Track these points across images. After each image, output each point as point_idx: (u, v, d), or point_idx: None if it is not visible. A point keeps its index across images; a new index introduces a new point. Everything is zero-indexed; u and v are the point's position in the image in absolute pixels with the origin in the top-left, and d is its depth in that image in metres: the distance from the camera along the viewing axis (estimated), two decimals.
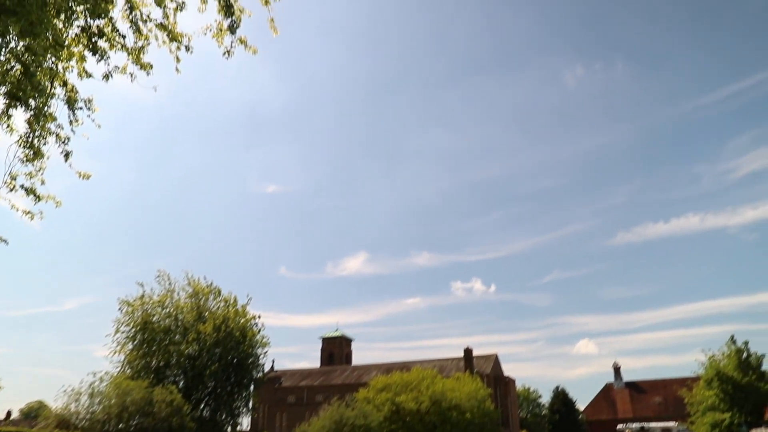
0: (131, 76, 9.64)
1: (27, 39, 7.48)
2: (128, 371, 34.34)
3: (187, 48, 9.88)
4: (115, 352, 35.37)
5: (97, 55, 9.30)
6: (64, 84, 9.96)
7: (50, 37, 7.89)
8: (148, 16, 10.02)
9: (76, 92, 10.16)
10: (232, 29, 10.10)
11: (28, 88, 8.30)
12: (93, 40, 9.18)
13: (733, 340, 44.95)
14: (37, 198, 9.74)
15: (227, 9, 10.10)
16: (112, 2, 8.82)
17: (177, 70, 10.69)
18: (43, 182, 9.83)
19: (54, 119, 9.34)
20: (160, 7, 10.03)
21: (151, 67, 10.26)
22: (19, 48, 8.60)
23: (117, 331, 35.83)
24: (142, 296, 36.89)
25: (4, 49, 8.41)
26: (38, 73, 8.44)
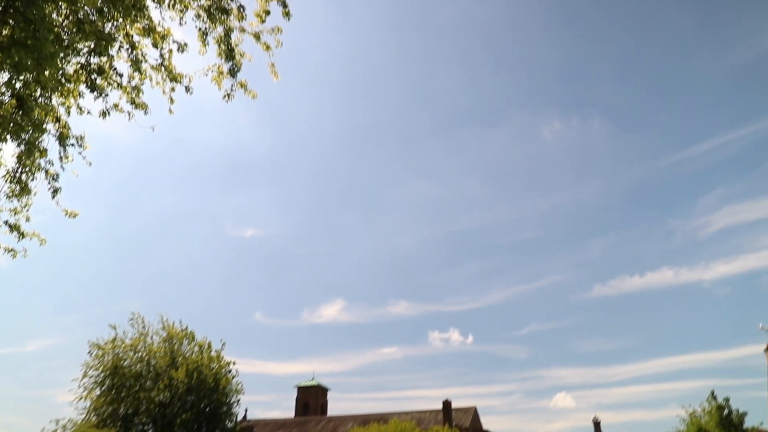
0: (129, 115, 9.51)
1: (31, 73, 7.32)
2: (94, 419, 32.66)
3: (187, 89, 9.82)
4: (80, 398, 33.75)
5: (95, 93, 9.17)
6: (57, 120, 9.77)
7: (55, 73, 7.75)
8: (144, 56, 9.99)
9: (69, 128, 9.97)
10: (233, 73, 10.09)
11: (25, 122, 8.08)
12: (92, 77, 9.08)
13: (713, 395, 44.70)
14: (21, 235, 9.39)
15: (228, 53, 10.13)
16: (114, 40, 8.76)
17: (170, 111, 10.61)
18: (28, 219, 9.50)
19: (45, 154, 9.11)
20: (157, 48, 10.02)
21: (147, 107, 10.15)
22: (15, 81, 8.43)
23: (84, 375, 34.31)
24: (114, 339, 35.57)
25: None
26: (35, 107, 8.26)
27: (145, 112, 9.61)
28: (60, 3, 7.14)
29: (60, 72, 8.53)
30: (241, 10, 9.77)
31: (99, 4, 7.56)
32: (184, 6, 11.06)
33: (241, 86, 10.11)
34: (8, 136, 8.81)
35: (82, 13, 7.54)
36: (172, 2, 10.66)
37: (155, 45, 9.91)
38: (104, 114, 9.19)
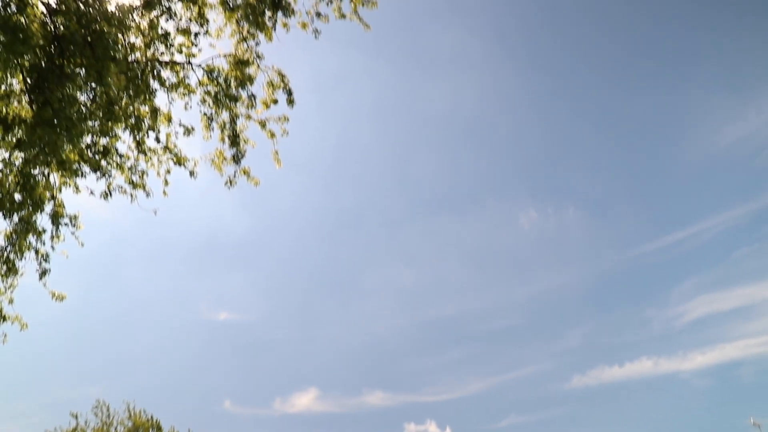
0: (131, 197, 9.33)
1: (53, 153, 7.19)
2: None
3: (192, 173, 9.73)
4: None
5: (97, 173, 9.03)
6: (52, 198, 9.54)
7: (66, 151, 7.64)
8: (157, 138, 9.97)
9: (63, 207, 9.72)
10: (237, 159, 10.06)
11: (26, 200, 7.84)
12: (96, 157, 8.97)
13: None
14: (3, 318, 8.83)
15: (233, 139, 10.15)
16: (122, 121, 8.75)
17: (164, 193, 10.46)
18: (11, 301, 8.98)
19: (40, 233, 8.79)
20: (154, 131, 9.99)
21: (145, 187, 10.01)
22: (19, 159, 8.29)
23: None
24: (75, 429, 33.14)
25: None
26: (38, 186, 8.06)
27: (147, 195, 9.46)
28: (89, 84, 7.16)
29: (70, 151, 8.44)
30: (252, 99, 9.92)
31: (124, 86, 7.61)
32: (189, 91, 11.25)
33: (245, 173, 10.08)
34: (0, 214, 8.52)
35: (102, 95, 7.55)
36: (176, 85, 10.84)
37: (152, 128, 9.89)
38: (106, 195, 9.01)
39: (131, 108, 8.75)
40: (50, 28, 6.61)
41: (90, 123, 8.22)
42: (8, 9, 5.94)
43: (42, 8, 6.59)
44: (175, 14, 10.27)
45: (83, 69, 6.68)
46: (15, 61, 6.01)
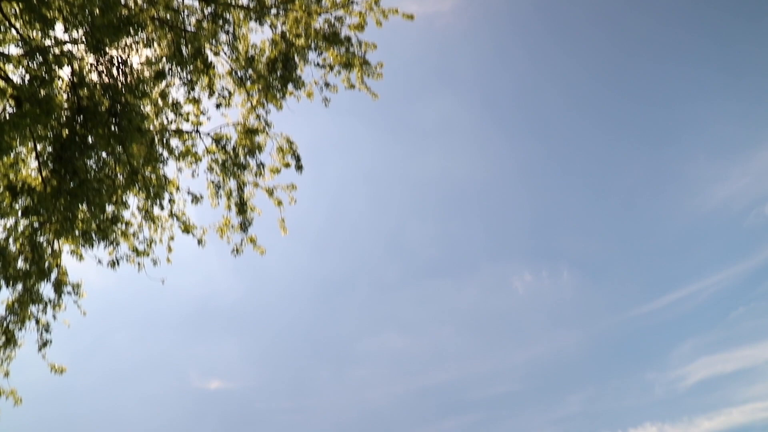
0: (139, 266, 9.21)
1: (57, 220, 7.13)
2: None
3: (200, 242, 9.66)
4: None
5: (105, 242, 8.94)
6: (56, 266, 9.40)
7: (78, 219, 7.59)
8: (149, 206, 9.95)
9: (67, 275, 9.56)
10: (244, 227, 10.02)
11: (34, 270, 7.71)
12: (105, 226, 8.91)
13: None
14: None
15: (241, 207, 10.14)
16: (142, 190, 8.76)
17: (168, 260, 10.33)
18: (7, 374, 8.64)
19: (43, 303, 8.57)
20: (162, 199, 9.99)
21: (154, 257, 9.91)
22: (23, 226, 8.21)
23: None
24: None
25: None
26: (47, 255, 7.94)
27: (155, 263, 9.34)
28: (110, 153, 7.23)
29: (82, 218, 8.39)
30: (261, 167, 10.01)
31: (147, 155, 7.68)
32: (196, 159, 11.35)
33: (251, 241, 10.02)
34: (2, 282, 8.35)
35: (125, 164, 7.60)
36: (184, 154, 10.95)
37: (156, 196, 9.87)
38: (113, 264, 8.88)
39: (144, 177, 8.80)
40: (74, 98, 6.74)
41: (110, 192, 8.23)
42: (35, 83, 6.07)
43: (66, 80, 6.75)
44: (185, 84, 10.54)
45: (106, 139, 6.75)
46: (38, 131, 6.09)
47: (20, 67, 7.36)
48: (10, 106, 7.07)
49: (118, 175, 7.65)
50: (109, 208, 8.95)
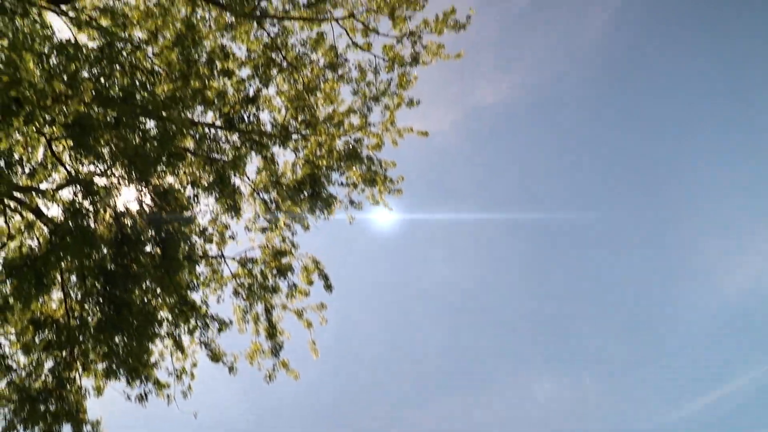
0: (168, 399, 8.70)
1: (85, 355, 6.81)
2: None
3: (231, 369, 9.21)
4: None
5: (132, 375, 8.51)
6: (77, 404, 8.88)
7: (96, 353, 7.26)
8: (179, 336, 9.62)
9: (86, 413, 9.01)
10: (275, 352, 9.64)
11: (59, 410, 7.23)
12: (134, 360, 8.52)
13: None
14: None
15: (270, 331, 9.83)
16: (182, 316, 8.48)
17: (190, 388, 9.83)
18: None
19: None
20: (189, 326, 9.68)
21: (185, 388, 9.41)
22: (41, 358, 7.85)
23: None
24: None
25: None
26: (71, 395, 7.51)
27: (185, 396, 8.83)
28: (156, 283, 7.08)
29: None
30: (293, 288, 9.81)
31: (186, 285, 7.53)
32: (221, 284, 11.18)
33: (284, 366, 9.57)
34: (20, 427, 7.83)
35: (172, 294, 7.42)
36: (210, 279, 10.79)
37: (188, 324, 9.61)
38: (141, 398, 8.36)
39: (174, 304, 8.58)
40: (117, 229, 6.72)
41: (152, 324, 7.98)
42: (77, 217, 6.07)
43: (110, 211, 6.78)
44: (212, 211, 10.64)
45: (152, 269, 6.64)
46: (77, 263, 6.00)
47: (54, 201, 7.47)
48: (46, 241, 7.05)
49: (163, 305, 7.43)
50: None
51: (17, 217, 8.07)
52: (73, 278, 6.95)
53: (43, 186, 8.32)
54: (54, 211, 8.33)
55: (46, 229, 8.31)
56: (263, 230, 11.48)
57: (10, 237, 8.51)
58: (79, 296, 6.38)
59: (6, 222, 8.37)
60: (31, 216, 8.16)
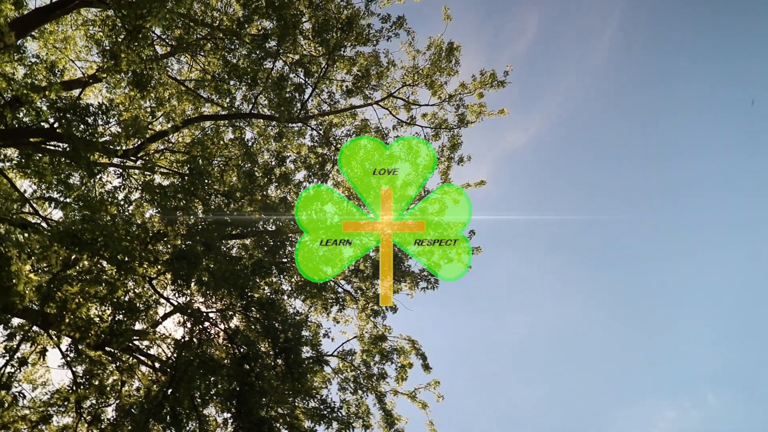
0: None
1: None
2: None
3: None
4: None
5: None
6: None
7: None
8: None
9: None
10: None
11: None
12: None
13: None
14: None
15: (388, 419, 9.53)
16: (324, 422, 8.32)
17: None
18: None
19: None
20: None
21: None
22: None
23: None
24: None
25: None
26: None
27: None
28: (289, 394, 7.02)
29: None
30: (403, 369, 9.50)
31: None
32: (325, 382, 10.96)
33: None
34: None
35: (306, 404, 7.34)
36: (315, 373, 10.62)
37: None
38: None
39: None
40: (234, 350, 6.76)
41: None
42: (194, 342, 6.16)
43: (222, 334, 6.86)
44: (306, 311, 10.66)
45: (280, 380, 6.58)
46: (210, 387, 6.03)
47: (160, 340, 7.66)
48: (167, 378, 7.12)
49: (299, 413, 7.31)
50: None
51: (129, 360, 8.26)
52: (207, 410, 6.93)
53: (144, 324, 8.59)
54: (157, 349, 8.54)
55: (147, 368, 8.49)
56: (352, 321, 11.41)
57: (122, 383, 8.69)
58: (218, 421, 6.33)
59: (118, 368, 8.58)
60: (141, 357, 8.34)
